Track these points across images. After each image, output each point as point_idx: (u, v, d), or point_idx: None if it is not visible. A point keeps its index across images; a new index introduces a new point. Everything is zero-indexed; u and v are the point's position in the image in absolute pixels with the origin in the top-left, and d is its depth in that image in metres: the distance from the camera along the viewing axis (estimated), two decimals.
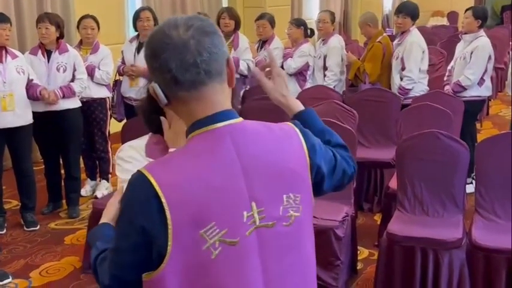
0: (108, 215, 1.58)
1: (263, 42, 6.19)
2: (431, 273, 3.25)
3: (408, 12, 5.40)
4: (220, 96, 1.36)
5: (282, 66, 6.02)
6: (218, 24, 6.08)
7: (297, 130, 1.46)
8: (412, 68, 5.30)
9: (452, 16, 14.97)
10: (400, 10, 5.49)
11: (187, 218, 1.28)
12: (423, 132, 3.69)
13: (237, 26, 5.90)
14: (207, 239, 1.29)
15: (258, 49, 6.21)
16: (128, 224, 1.32)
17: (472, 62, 5.10)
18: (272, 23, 6.13)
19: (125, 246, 1.33)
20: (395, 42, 5.54)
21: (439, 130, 3.67)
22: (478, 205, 3.56)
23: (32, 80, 4.45)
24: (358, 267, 3.86)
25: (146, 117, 1.82)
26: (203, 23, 1.34)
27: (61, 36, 4.73)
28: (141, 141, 1.83)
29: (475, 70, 5.10)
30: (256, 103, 4.89)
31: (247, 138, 1.37)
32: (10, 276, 3.75)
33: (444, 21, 15.41)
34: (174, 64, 1.29)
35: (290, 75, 5.99)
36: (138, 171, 1.32)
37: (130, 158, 1.76)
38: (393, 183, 3.98)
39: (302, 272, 1.45)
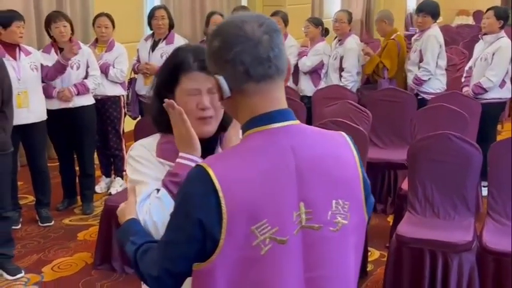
0: (131, 213, 1.63)
1: None
2: (441, 276, 3.24)
3: (428, 11, 5.47)
4: (281, 94, 1.41)
5: (296, 65, 6.05)
6: None
7: (350, 142, 1.49)
8: (429, 60, 5.41)
9: (478, 15, 14.74)
10: (420, 9, 5.55)
11: (242, 214, 1.32)
12: (435, 133, 3.67)
13: None
14: (258, 235, 1.32)
15: None
16: (184, 217, 1.36)
17: (494, 63, 5.05)
18: (285, 21, 6.13)
19: (179, 238, 1.37)
20: (414, 37, 5.63)
21: (451, 132, 3.65)
22: (490, 208, 3.53)
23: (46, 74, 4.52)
24: (368, 269, 3.86)
25: (154, 117, 1.79)
26: (271, 21, 1.40)
27: (72, 33, 4.80)
28: (153, 140, 1.78)
29: (497, 72, 5.05)
30: None
31: (305, 141, 1.40)
32: (22, 271, 3.81)
33: (469, 21, 15.23)
34: (248, 57, 1.33)
35: (305, 73, 6.00)
36: (199, 165, 1.36)
37: (141, 157, 1.74)
38: (406, 185, 3.96)
39: (344, 281, 1.46)
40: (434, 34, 5.46)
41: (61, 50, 4.73)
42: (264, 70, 1.35)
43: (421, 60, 5.45)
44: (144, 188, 1.69)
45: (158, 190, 1.67)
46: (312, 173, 1.38)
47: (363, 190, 1.46)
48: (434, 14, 5.51)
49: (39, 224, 4.62)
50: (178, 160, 1.66)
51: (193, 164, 1.58)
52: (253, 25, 1.36)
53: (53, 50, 4.75)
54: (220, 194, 1.31)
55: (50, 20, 4.77)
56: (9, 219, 3.82)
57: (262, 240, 1.33)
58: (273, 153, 1.36)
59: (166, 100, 1.66)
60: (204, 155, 1.63)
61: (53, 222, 4.63)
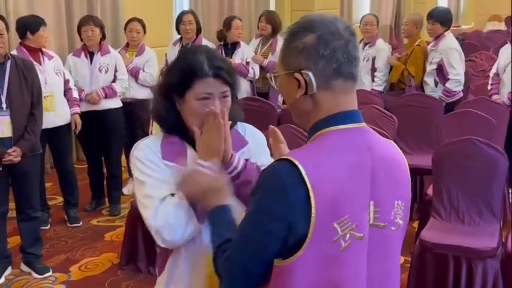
0: (224, 195, 1.61)
1: None
2: (464, 282, 3.21)
3: (437, 18, 5.38)
4: (355, 95, 1.44)
5: None
6: (258, 26, 6.15)
7: (402, 153, 1.53)
8: (459, 72, 5.30)
9: (510, 21, 14.57)
10: (430, 16, 5.47)
11: (327, 210, 1.31)
12: (461, 138, 3.65)
13: (275, 30, 5.92)
14: (339, 231, 1.33)
15: None
16: (267, 212, 1.34)
17: None
18: None
19: (258, 235, 1.35)
20: (429, 47, 5.53)
21: (477, 137, 3.62)
22: None
23: (68, 80, 4.55)
24: None
25: (160, 116, 1.81)
26: (349, 24, 1.44)
27: (103, 37, 4.88)
28: (156, 140, 1.79)
29: None
30: None
31: (376, 143, 1.44)
32: (50, 270, 3.87)
33: (501, 26, 15.00)
34: (342, 55, 1.36)
35: None
36: (285, 159, 1.34)
37: (146, 159, 1.74)
38: (431, 190, 3.94)
39: (395, 279, 1.52)
40: (453, 47, 5.34)
41: (91, 53, 4.83)
42: (352, 69, 1.39)
43: (439, 73, 5.33)
44: (152, 191, 1.70)
45: (172, 194, 1.69)
46: (382, 174, 1.41)
47: (410, 195, 1.53)
48: (443, 21, 5.39)
49: (68, 224, 4.69)
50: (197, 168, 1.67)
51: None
52: (342, 25, 1.39)
53: (82, 53, 4.84)
54: (310, 188, 1.29)
55: (81, 24, 4.87)
56: (37, 219, 3.86)
57: (343, 236, 1.33)
58: (354, 151, 1.38)
59: (212, 108, 1.67)
60: None
61: (81, 223, 4.71)
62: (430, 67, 5.40)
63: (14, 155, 3.53)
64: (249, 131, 1.91)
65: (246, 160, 1.78)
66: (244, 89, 5.66)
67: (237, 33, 5.68)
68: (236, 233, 1.43)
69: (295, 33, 1.40)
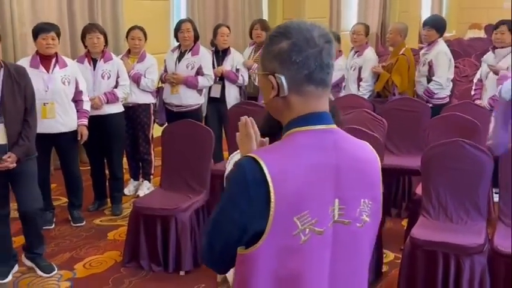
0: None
1: None
2: (453, 277, 3.22)
3: (433, 25, 5.58)
4: (327, 99, 1.45)
5: None
6: (251, 34, 6.16)
7: (374, 151, 1.53)
8: (442, 75, 5.48)
9: (489, 29, 14.67)
10: (426, 23, 5.68)
11: (287, 204, 1.34)
12: (449, 141, 3.66)
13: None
14: (299, 225, 1.35)
15: None
16: (232, 203, 1.38)
17: None
18: None
19: (223, 221, 1.40)
20: (422, 51, 5.70)
21: (464, 140, 3.64)
22: (501, 213, 3.52)
23: (81, 91, 4.47)
24: (383, 270, 3.85)
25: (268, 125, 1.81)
26: (328, 31, 1.42)
27: (106, 45, 4.86)
28: None
29: None
30: None
31: (344, 143, 1.44)
32: (56, 268, 3.85)
33: (481, 34, 15.13)
34: (315, 63, 1.37)
35: None
36: (249, 156, 1.37)
37: None
38: (419, 190, 3.95)
39: (360, 275, 1.52)
40: (444, 51, 5.53)
41: (94, 60, 4.81)
42: (324, 76, 1.39)
43: (430, 73, 5.50)
44: None
45: None
46: (348, 172, 1.42)
47: (381, 195, 1.53)
48: (439, 28, 5.55)
49: (72, 224, 4.67)
50: None
51: None
52: (318, 33, 1.38)
53: (86, 60, 4.82)
54: (270, 184, 1.32)
55: (85, 32, 4.85)
56: (38, 219, 3.78)
57: (303, 230, 1.36)
58: (318, 151, 1.39)
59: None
60: None
61: (84, 223, 4.69)
62: (424, 68, 5.58)
63: (9, 161, 3.51)
64: None
65: None
66: (233, 95, 5.67)
67: (222, 39, 5.68)
68: (211, 216, 1.48)
69: (273, 38, 1.41)
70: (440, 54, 5.48)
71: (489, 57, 5.33)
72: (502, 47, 5.18)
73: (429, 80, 5.52)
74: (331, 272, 1.43)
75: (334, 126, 1.43)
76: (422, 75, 5.62)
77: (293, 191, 1.34)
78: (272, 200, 1.32)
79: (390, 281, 3.72)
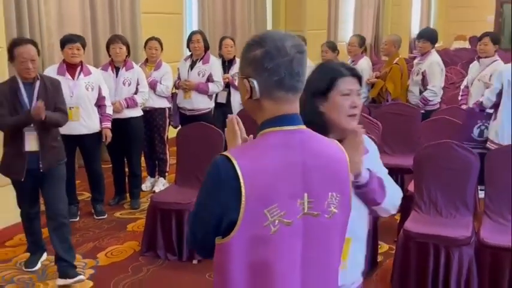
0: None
1: None
2: (443, 266, 3.22)
3: (427, 37, 5.53)
4: (298, 103, 1.46)
5: None
6: None
7: (344, 150, 1.53)
8: (436, 84, 5.46)
9: (474, 40, 14.66)
10: (421, 35, 5.60)
11: (257, 198, 1.36)
12: (439, 142, 3.66)
13: None
14: (269, 217, 1.37)
15: None
16: (209, 196, 1.41)
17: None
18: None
19: (202, 212, 1.43)
20: (416, 61, 5.67)
21: (454, 141, 3.64)
22: (486, 208, 3.51)
23: (104, 97, 4.46)
24: (378, 260, 3.85)
25: (309, 119, 1.68)
26: (301, 42, 1.44)
27: (128, 54, 4.87)
28: None
29: None
30: None
31: (311, 142, 1.45)
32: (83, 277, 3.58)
33: (466, 45, 15.11)
34: (284, 70, 1.38)
35: None
36: (223, 154, 1.39)
37: None
38: (412, 187, 3.94)
39: (331, 264, 1.51)
40: (437, 61, 5.49)
41: (117, 68, 4.82)
42: (294, 83, 1.40)
43: (424, 82, 5.47)
44: None
45: None
46: (315, 169, 1.43)
47: (351, 189, 1.54)
48: (433, 39, 5.56)
49: (95, 217, 4.68)
50: None
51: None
52: (290, 43, 1.39)
53: (109, 68, 4.84)
54: (241, 181, 1.34)
55: (110, 42, 4.87)
56: (66, 225, 3.55)
57: (272, 222, 1.37)
58: (286, 149, 1.40)
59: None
60: None
61: (106, 216, 4.70)
62: (417, 78, 5.55)
63: (41, 106, 3.28)
64: (366, 140, 1.89)
65: (369, 170, 1.81)
66: (238, 101, 5.64)
67: (227, 50, 5.70)
68: (192, 209, 1.50)
69: (249, 45, 1.43)
70: (434, 64, 5.45)
71: (475, 66, 5.34)
72: (486, 57, 5.19)
73: (421, 91, 5.48)
74: (303, 260, 1.44)
75: (303, 127, 1.45)
76: (414, 84, 5.58)
77: (262, 186, 1.36)
78: (243, 194, 1.34)
79: (385, 270, 3.72)
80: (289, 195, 1.40)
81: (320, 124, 1.75)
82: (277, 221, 1.37)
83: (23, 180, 3.46)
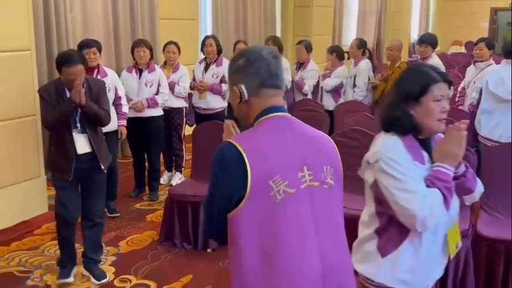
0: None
1: (300, 64, 6.17)
2: None
3: (429, 42, 5.42)
4: (280, 98, 1.60)
5: (317, 85, 6.11)
6: None
7: (332, 141, 1.64)
8: None
9: (469, 45, 14.53)
10: (422, 40, 5.49)
11: (261, 172, 1.45)
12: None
13: (280, 51, 5.90)
14: (274, 187, 1.46)
15: (296, 69, 6.20)
16: (217, 179, 1.49)
17: None
18: (308, 48, 6.11)
19: (214, 194, 1.50)
20: None
21: None
22: (483, 203, 3.46)
23: (120, 97, 4.38)
24: None
25: (397, 120, 1.83)
26: (276, 50, 1.63)
27: (151, 57, 4.85)
28: (397, 143, 1.80)
29: None
30: (301, 114, 4.91)
31: (298, 124, 1.59)
32: (107, 276, 3.44)
33: (462, 49, 14.97)
34: (264, 72, 1.54)
35: (327, 92, 6.01)
36: (228, 141, 1.49)
37: (403, 160, 1.77)
38: None
39: (340, 227, 1.59)
40: (439, 63, 5.35)
41: (140, 70, 4.81)
42: (274, 81, 1.55)
43: None
44: (414, 187, 1.71)
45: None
46: (306, 146, 1.55)
47: (341, 166, 1.63)
48: (434, 44, 5.49)
49: (108, 215, 4.39)
50: (442, 170, 1.75)
51: (452, 175, 1.74)
52: (266, 51, 1.57)
53: (134, 70, 4.83)
54: (245, 158, 1.44)
55: (134, 46, 4.85)
56: (101, 225, 3.44)
57: (277, 191, 1.45)
58: (278, 131, 1.53)
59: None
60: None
61: (119, 214, 4.51)
62: None
63: (80, 88, 3.08)
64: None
65: (464, 162, 1.85)
66: None
67: None
68: (206, 194, 1.57)
69: (233, 59, 1.60)
70: (438, 67, 5.39)
71: (471, 69, 5.28)
72: (482, 61, 5.14)
73: None
74: (317, 227, 1.51)
75: (287, 114, 1.58)
76: None
77: (264, 161, 1.46)
78: (248, 169, 1.43)
79: None
80: (289, 168, 1.49)
81: (410, 126, 1.78)
82: (281, 190, 1.46)
83: (70, 179, 3.22)
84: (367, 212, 1.92)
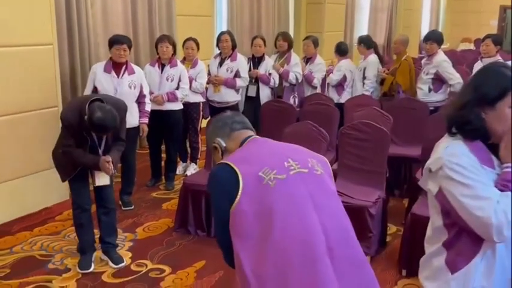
0: None
1: (308, 59, 6.14)
2: None
3: (435, 39, 5.32)
4: (249, 132, 1.85)
5: (324, 79, 6.13)
6: (275, 44, 6.07)
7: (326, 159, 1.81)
8: (455, 76, 5.16)
9: (478, 42, 14.28)
10: (428, 37, 5.38)
11: (250, 169, 1.61)
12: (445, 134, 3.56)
13: (290, 46, 5.89)
14: (265, 177, 1.59)
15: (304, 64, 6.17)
16: (216, 199, 1.65)
17: None
18: (315, 43, 6.08)
19: (220, 208, 1.63)
20: (423, 61, 5.50)
21: None
22: None
23: (144, 95, 4.35)
24: (387, 240, 3.80)
25: (471, 125, 1.57)
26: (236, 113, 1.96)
27: (174, 53, 4.83)
28: (462, 148, 1.56)
29: None
30: (312, 107, 4.89)
31: (271, 140, 1.82)
32: (124, 261, 3.48)
33: (471, 46, 14.76)
34: (230, 121, 1.83)
35: (333, 86, 6.04)
36: (223, 163, 1.65)
37: (470, 165, 1.54)
38: (419, 175, 3.87)
39: (339, 206, 1.67)
40: (444, 59, 5.26)
41: (163, 65, 4.80)
42: (239, 124, 1.83)
43: (435, 81, 5.23)
44: (486, 193, 1.50)
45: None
46: (286, 149, 1.74)
47: (328, 164, 1.76)
48: (439, 41, 5.37)
49: (122, 208, 4.38)
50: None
51: None
52: (228, 114, 1.90)
53: (156, 64, 4.82)
54: (240, 176, 1.60)
55: (158, 41, 4.85)
56: (115, 211, 3.48)
57: (269, 179, 1.58)
58: (259, 144, 1.76)
59: None
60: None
61: (133, 207, 4.45)
62: (426, 77, 5.32)
63: (109, 165, 3.21)
64: None
65: None
66: (266, 94, 5.63)
67: (256, 49, 5.63)
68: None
69: (209, 125, 1.92)
70: (443, 62, 5.22)
71: (478, 65, 5.21)
72: (488, 57, 5.06)
73: (430, 89, 5.26)
74: (316, 206, 1.58)
75: (257, 136, 1.82)
76: (424, 83, 5.32)
77: (251, 161, 1.63)
78: (240, 181, 1.57)
79: (393, 249, 3.67)
80: (275, 161, 1.64)
81: (482, 132, 1.56)
82: (272, 177, 1.58)
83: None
84: (431, 226, 1.71)
